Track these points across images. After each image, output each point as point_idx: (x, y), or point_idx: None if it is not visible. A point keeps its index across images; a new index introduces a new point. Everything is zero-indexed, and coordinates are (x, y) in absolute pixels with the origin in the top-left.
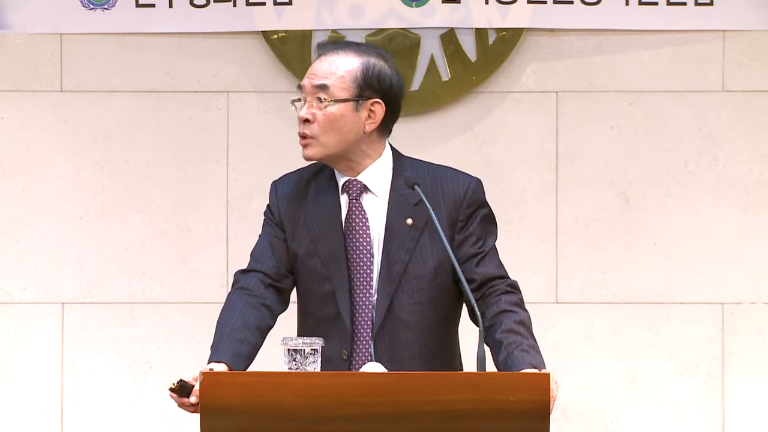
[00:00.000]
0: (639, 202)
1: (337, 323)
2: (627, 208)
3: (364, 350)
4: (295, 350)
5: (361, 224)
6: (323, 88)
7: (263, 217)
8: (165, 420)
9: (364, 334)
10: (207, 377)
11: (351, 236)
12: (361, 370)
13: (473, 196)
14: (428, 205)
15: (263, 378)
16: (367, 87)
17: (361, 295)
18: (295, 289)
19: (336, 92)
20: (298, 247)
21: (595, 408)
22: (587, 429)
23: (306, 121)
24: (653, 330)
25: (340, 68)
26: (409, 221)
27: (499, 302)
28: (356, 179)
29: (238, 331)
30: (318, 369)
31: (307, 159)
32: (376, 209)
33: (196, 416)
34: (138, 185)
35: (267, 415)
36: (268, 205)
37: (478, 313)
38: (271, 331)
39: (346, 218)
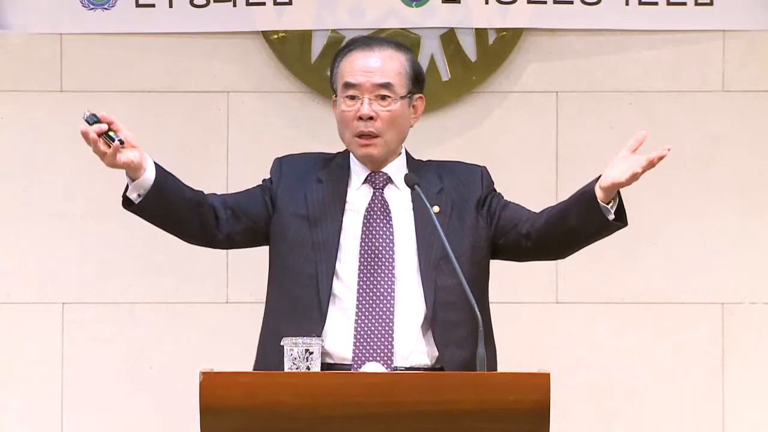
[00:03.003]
0: (639, 202)
1: (313, 307)
2: (627, 208)
3: (370, 338)
4: (295, 350)
5: (383, 215)
6: (387, 86)
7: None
8: (165, 420)
9: (373, 323)
10: (207, 377)
11: (371, 226)
12: (361, 370)
13: (489, 178)
14: (426, 202)
15: (263, 378)
16: (417, 82)
17: (372, 280)
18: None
19: (398, 90)
20: (291, 223)
21: (595, 408)
22: (587, 429)
23: (369, 118)
24: (653, 330)
25: (394, 65)
26: (436, 209)
27: (547, 209)
28: (382, 171)
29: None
30: (318, 369)
31: (370, 157)
32: (399, 201)
33: (197, 417)
34: None
35: (267, 415)
36: (270, 174)
37: (478, 313)
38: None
39: (367, 208)
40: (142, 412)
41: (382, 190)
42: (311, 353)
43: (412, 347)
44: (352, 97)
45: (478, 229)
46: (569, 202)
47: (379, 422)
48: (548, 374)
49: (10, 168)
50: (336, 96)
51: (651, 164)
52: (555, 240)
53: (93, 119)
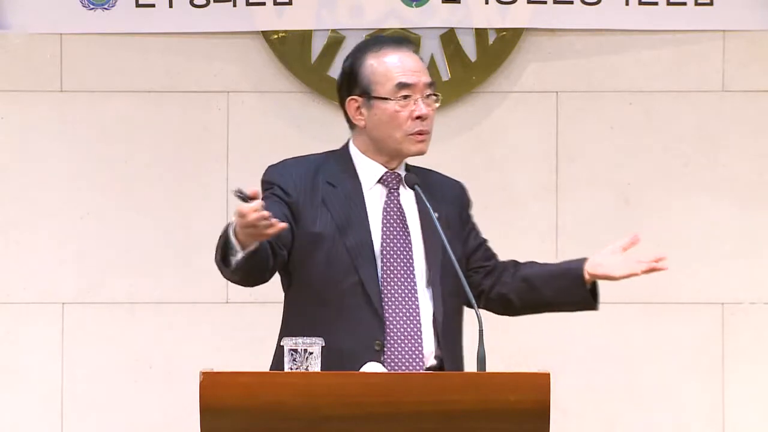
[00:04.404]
0: (639, 202)
1: (367, 314)
2: (627, 208)
3: (402, 341)
4: (295, 350)
5: (399, 215)
6: (433, 85)
7: (263, 196)
8: (165, 420)
9: (404, 325)
10: (207, 377)
11: (390, 226)
12: (361, 370)
13: (467, 195)
14: (428, 204)
15: (263, 378)
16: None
17: (400, 283)
18: (293, 283)
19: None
20: (324, 232)
21: (595, 408)
22: (587, 429)
23: (420, 117)
24: (653, 330)
25: (424, 64)
26: (437, 214)
27: (512, 262)
28: (396, 171)
29: None
30: (318, 369)
31: (422, 154)
32: (408, 202)
33: (196, 416)
34: (138, 185)
35: (267, 415)
36: (274, 185)
37: (479, 314)
38: (270, 331)
39: (384, 208)
40: (142, 412)
41: (397, 190)
42: (311, 353)
43: (434, 347)
44: (405, 97)
45: (460, 245)
46: (545, 275)
47: (379, 422)
48: (548, 374)
49: (10, 168)
50: (369, 96)
51: (650, 272)
52: (520, 305)
53: (243, 195)
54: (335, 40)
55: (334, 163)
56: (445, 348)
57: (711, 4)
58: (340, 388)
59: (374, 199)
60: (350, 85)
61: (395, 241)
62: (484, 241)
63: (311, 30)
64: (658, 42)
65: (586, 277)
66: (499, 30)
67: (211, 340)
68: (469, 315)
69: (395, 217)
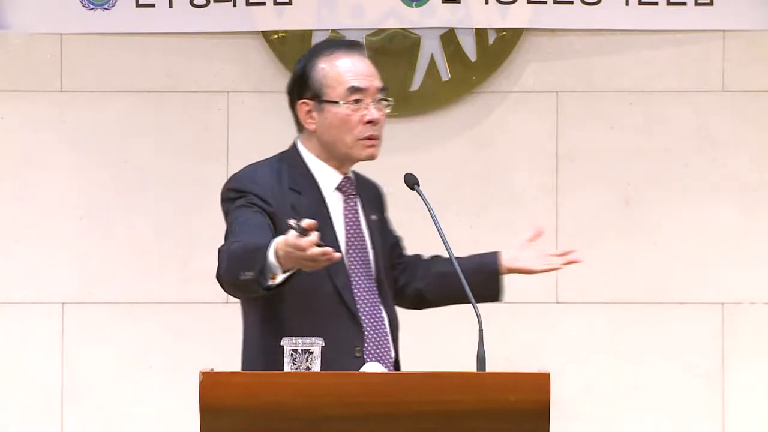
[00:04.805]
0: (639, 202)
1: (346, 321)
2: (627, 208)
3: (375, 346)
4: (295, 350)
5: (357, 222)
6: (384, 90)
7: (236, 204)
8: (165, 420)
9: (375, 330)
10: (207, 377)
11: (352, 233)
12: (361, 369)
13: (383, 193)
14: (429, 205)
15: (263, 378)
16: None
17: (366, 290)
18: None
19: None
20: None
21: (595, 408)
22: (587, 429)
23: (371, 122)
24: (653, 330)
25: (375, 69)
26: (374, 217)
27: (419, 257)
28: (349, 177)
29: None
30: (318, 369)
31: (372, 159)
32: (359, 208)
33: (196, 416)
34: (138, 185)
35: (267, 415)
36: (249, 194)
37: (479, 314)
38: None
39: (344, 215)
40: (142, 412)
41: (355, 197)
42: (311, 353)
43: (393, 352)
44: (357, 101)
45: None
46: (458, 269)
47: (379, 422)
48: (548, 374)
49: (10, 168)
50: (320, 100)
51: (568, 264)
52: (432, 299)
53: (300, 227)
54: (353, 41)
55: (290, 168)
56: (396, 351)
57: (711, 4)
58: (340, 388)
59: (335, 205)
60: (301, 88)
61: (358, 248)
62: (399, 238)
63: (311, 30)
64: (658, 42)
65: (503, 271)
66: (499, 30)
67: (211, 340)
68: (467, 315)
69: (355, 224)
